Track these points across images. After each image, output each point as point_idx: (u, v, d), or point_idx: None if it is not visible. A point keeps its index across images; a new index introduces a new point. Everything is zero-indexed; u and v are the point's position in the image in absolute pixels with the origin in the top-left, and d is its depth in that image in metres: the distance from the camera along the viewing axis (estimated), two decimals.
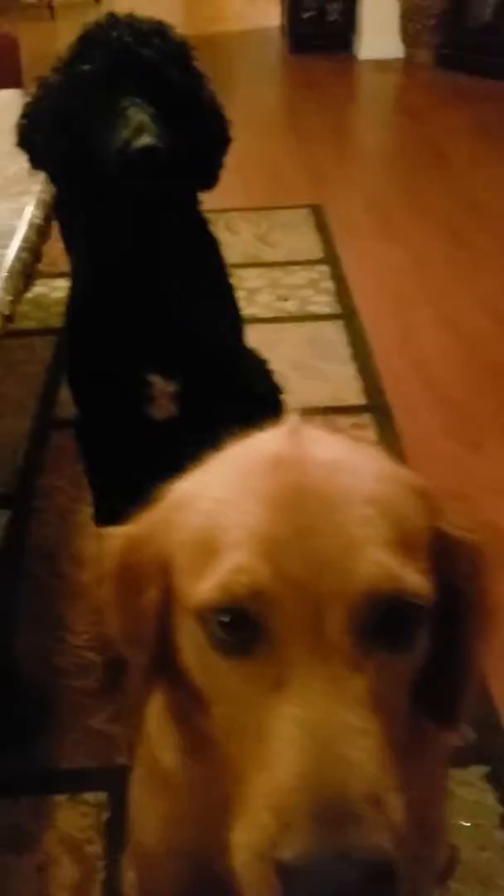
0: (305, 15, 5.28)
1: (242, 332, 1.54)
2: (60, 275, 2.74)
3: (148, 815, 0.88)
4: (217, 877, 0.70)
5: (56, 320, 2.77)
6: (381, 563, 0.54)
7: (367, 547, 0.55)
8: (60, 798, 1.39)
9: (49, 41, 6.41)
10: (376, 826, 0.49)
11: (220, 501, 0.60)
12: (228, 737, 0.59)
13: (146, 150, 1.18)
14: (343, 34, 5.29)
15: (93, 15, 5.49)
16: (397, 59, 5.05)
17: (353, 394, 2.30)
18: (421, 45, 4.86)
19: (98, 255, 1.38)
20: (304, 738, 0.52)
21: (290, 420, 0.66)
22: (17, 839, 1.33)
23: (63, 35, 6.65)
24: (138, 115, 1.21)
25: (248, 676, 0.56)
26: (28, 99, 1.38)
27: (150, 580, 0.64)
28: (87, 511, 1.97)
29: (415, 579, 0.55)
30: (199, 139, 1.33)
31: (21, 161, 1.95)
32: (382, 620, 0.55)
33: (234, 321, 1.49)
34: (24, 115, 1.35)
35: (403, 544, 0.57)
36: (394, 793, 0.52)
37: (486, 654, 0.65)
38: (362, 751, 0.51)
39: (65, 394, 2.38)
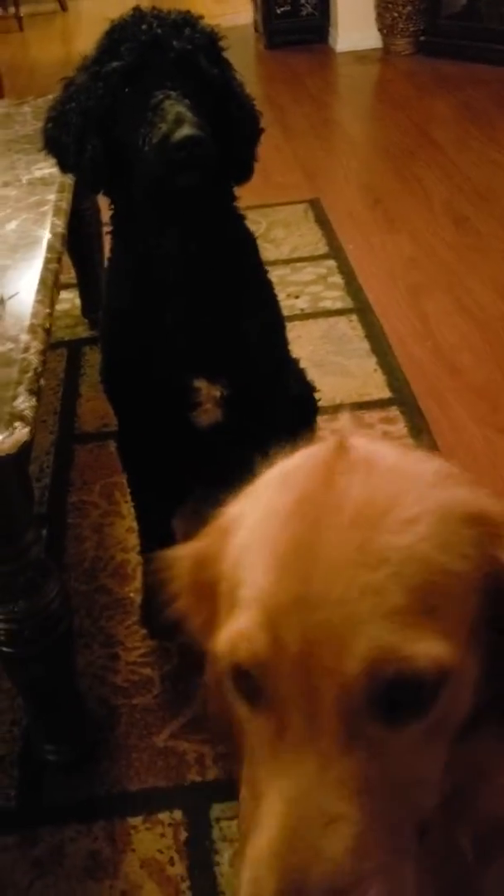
0: (279, 10, 5.24)
1: (285, 330, 1.51)
2: (65, 286, 2.70)
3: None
4: None
5: (64, 333, 2.74)
6: (379, 643, 0.51)
7: (367, 623, 0.52)
8: (135, 820, 1.36)
9: (19, 52, 6.36)
10: None
11: (248, 540, 0.59)
12: (250, 776, 0.60)
13: (188, 140, 1.14)
14: (319, 27, 5.26)
15: (61, 24, 5.42)
16: (375, 50, 5.02)
17: (378, 388, 2.27)
18: (398, 34, 4.84)
19: (135, 256, 1.34)
20: (283, 815, 0.52)
21: (341, 430, 0.63)
22: (98, 866, 1.30)
23: (33, 46, 6.59)
24: (175, 106, 1.16)
25: (256, 728, 0.56)
26: (52, 103, 1.34)
27: (211, 598, 0.64)
28: (121, 524, 1.94)
29: (427, 649, 0.52)
30: (234, 130, 1.29)
31: (32, 170, 1.93)
32: (389, 694, 0.52)
33: (276, 319, 1.46)
34: (51, 119, 1.31)
35: (423, 604, 0.53)
36: (371, 880, 0.51)
37: None
38: (337, 839, 0.50)
39: (85, 407, 2.35)
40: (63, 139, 1.30)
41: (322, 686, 0.52)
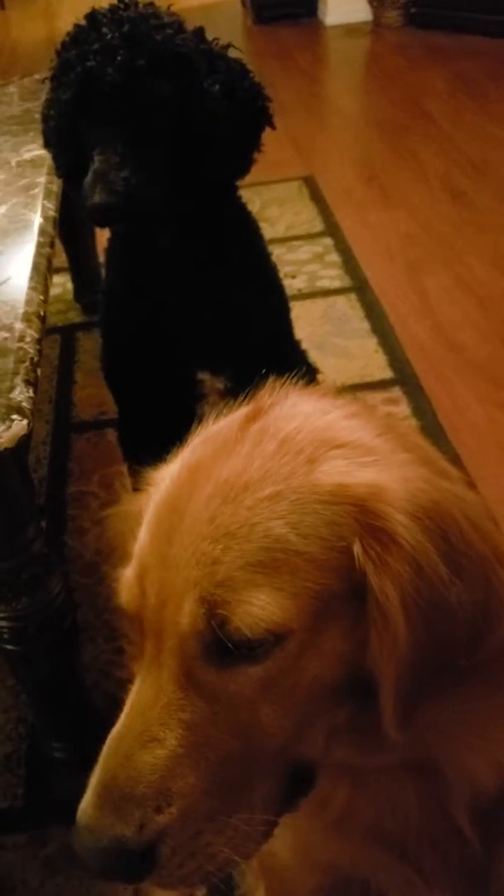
0: None
1: (289, 316, 1.46)
2: (56, 270, 2.65)
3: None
4: None
5: (57, 318, 2.68)
6: (202, 605, 0.59)
7: (197, 587, 0.60)
8: None
9: (2, 31, 6.24)
10: (121, 817, 0.60)
11: (152, 499, 0.68)
12: None
13: (97, 208, 1.14)
14: (307, 1, 5.16)
15: (44, 2, 5.26)
16: (366, 23, 4.93)
17: (379, 368, 2.23)
18: (388, 6, 4.74)
19: (130, 249, 1.30)
20: (120, 727, 0.63)
21: (262, 396, 0.70)
22: None
23: (15, 25, 6.47)
24: (99, 161, 1.14)
25: (134, 652, 0.68)
26: (47, 95, 1.29)
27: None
28: None
29: (249, 613, 0.58)
30: (220, 130, 1.24)
31: (21, 153, 1.88)
32: (223, 644, 0.60)
33: (279, 306, 1.41)
34: (42, 115, 1.28)
35: (259, 576, 0.59)
36: (170, 798, 0.60)
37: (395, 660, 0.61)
38: (149, 756, 0.60)
39: (81, 395, 2.30)
40: (51, 140, 1.27)
41: (167, 632, 0.62)
